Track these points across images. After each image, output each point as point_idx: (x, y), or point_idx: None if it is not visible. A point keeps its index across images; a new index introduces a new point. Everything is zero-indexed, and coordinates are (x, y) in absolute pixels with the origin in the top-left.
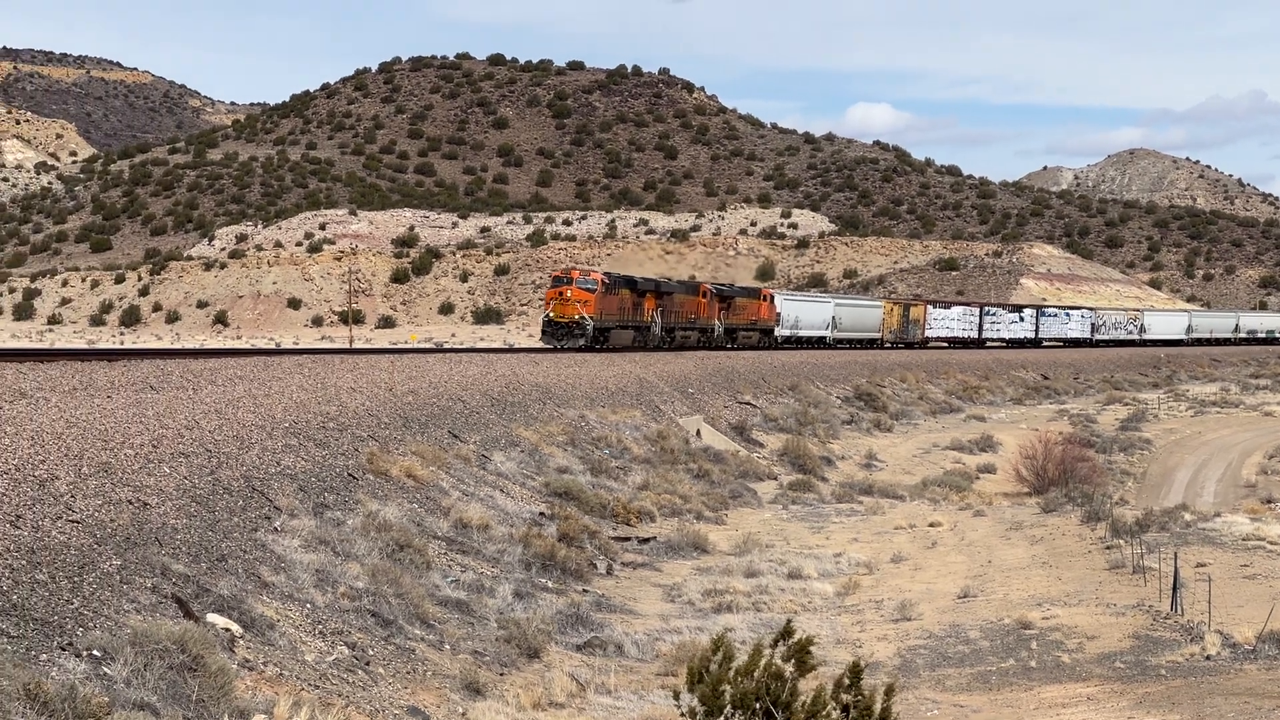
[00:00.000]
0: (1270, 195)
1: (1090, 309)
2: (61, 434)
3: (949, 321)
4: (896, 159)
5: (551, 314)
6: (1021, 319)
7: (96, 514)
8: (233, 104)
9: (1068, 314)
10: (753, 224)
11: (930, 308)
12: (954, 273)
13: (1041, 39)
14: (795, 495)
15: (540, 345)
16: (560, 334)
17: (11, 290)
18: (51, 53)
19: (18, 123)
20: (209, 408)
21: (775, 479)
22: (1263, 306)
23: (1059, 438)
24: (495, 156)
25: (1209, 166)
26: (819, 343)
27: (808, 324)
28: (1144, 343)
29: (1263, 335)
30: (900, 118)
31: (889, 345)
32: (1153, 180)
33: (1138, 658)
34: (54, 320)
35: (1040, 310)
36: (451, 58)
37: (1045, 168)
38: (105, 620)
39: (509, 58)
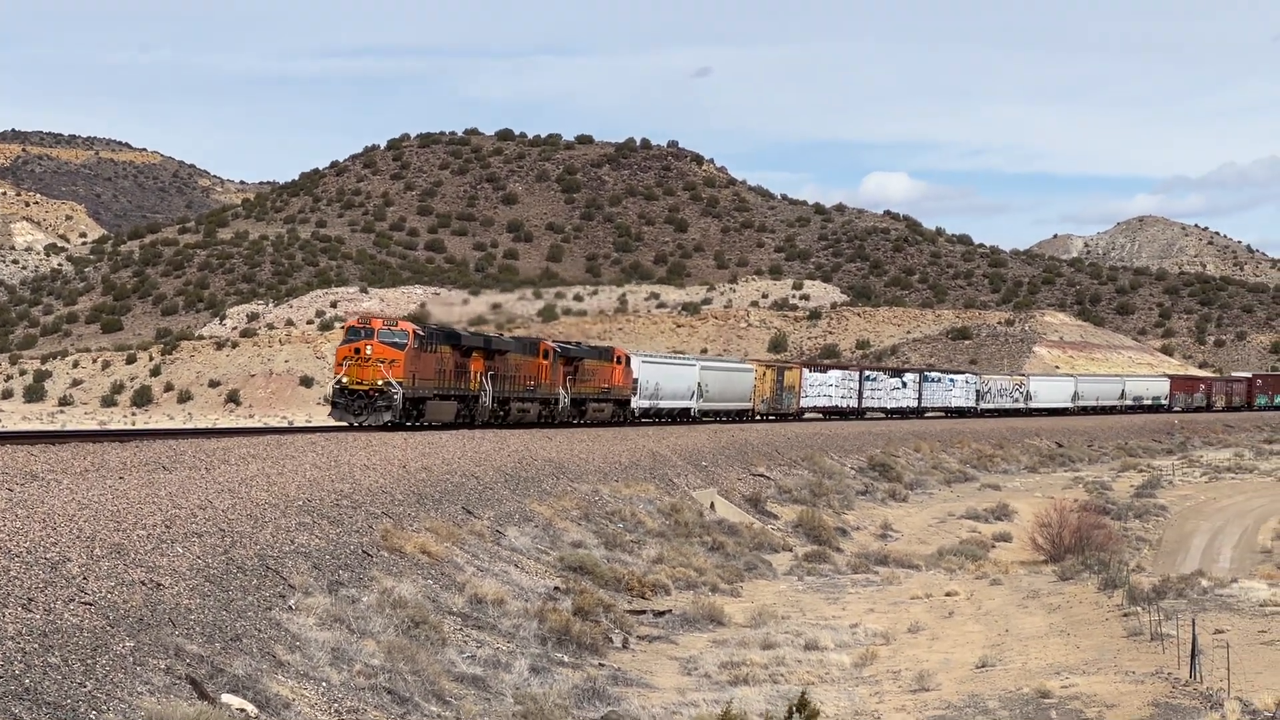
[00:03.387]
0: None
1: (975, 374)
2: (74, 516)
3: (826, 388)
4: (907, 228)
5: (345, 379)
6: (904, 385)
7: (109, 595)
8: (242, 183)
9: (952, 380)
10: (764, 296)
11: (806, 372)
12: (967, 341)
13: (1053, 108)
14: (810, 566)
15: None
16: (356, 406)
17: (23, 372)
18: (60, 134)
19: (27, 205)
20: (222, 487)
21: (790, 550)
22: (1274, 370)
23: (1074, 505)
24: (505, 232)
25: (1218, 233)
26: (682, 416)
27: (670, 392)
28: (1030, 412)
29: (1149, 402)
30: (917, 187)
31: (760, 417)
32: (1162, 247)
33: None
34: (65, 402)
35: (924, 375)
36: (460, 133)
37: (1055, 236)
38: (119, 703)
39: (517, 132)
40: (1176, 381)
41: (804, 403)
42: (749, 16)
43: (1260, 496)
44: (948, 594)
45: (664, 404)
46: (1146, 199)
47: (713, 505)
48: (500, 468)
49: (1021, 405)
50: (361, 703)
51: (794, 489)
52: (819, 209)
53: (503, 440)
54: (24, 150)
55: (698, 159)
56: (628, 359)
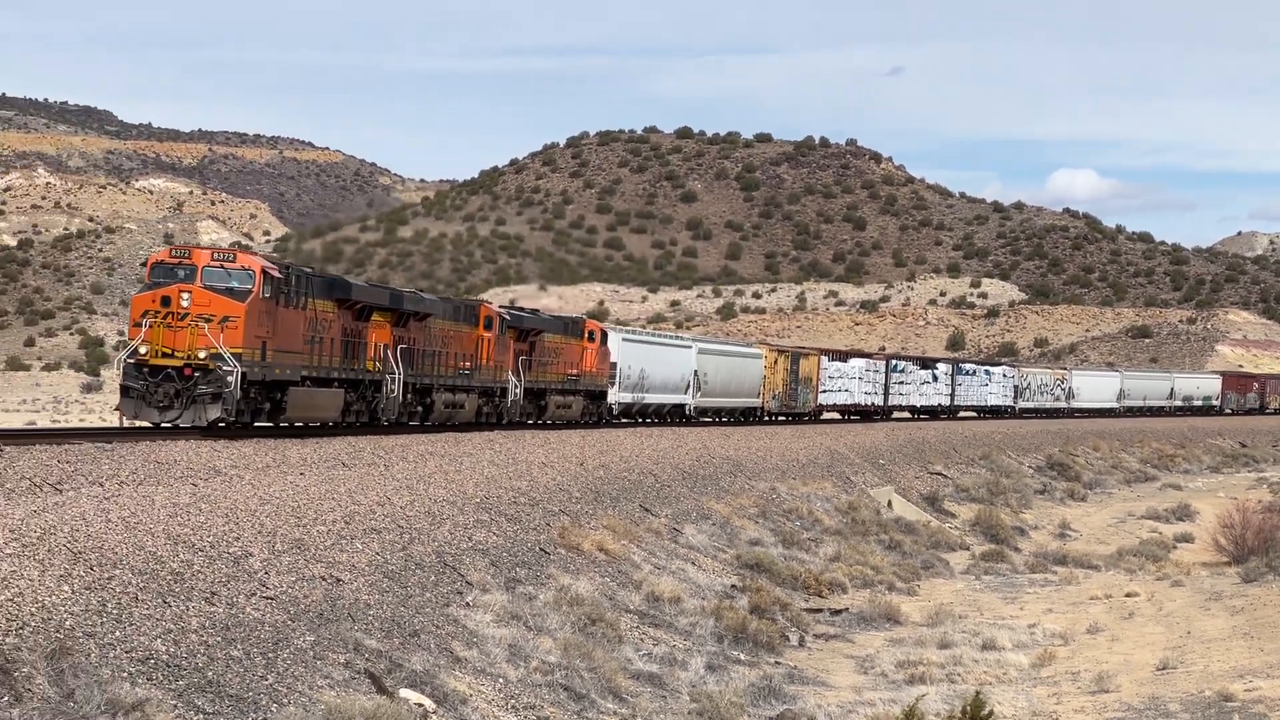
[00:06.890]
0: None
1: (1013, 367)
2: (255, 511)
3: (847, 382)
4: (1087, 226)
5: (144, 349)
6: (935, 379)
7: (290, 590)
8: (422, 181)
9: (988, 372)
10: (942, 294)
11: (824, 360)
12: (1147, 340)
13: (1243, 103)
14: (988, 566)
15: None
16: (161, 396)
17: None
18: (245, 134)
19: (213, 204)
20: (400, 484)
21: (967, 549)
22: None
23: (1259, 506)
24: (684, 229)
25: None
26: (675, 414)
27: (659, 383)
28: (1072, 412)
29: (1199, 402)
30: (1104, 184)
31: (770, 418)
32: None
33: None
34: None
35: (958, 367)
36: (639, 131)
37: (1240, 233)
38: (299, 696)
39: (695, 130)
40: (1229, 380)
41: (822, 399)
42: (939, 15)
43: None
44: (1128, 595)
45: (651, 398)
46: None
47: (890, 503)
48: (678, 465)
49: (1063, 404)
50: (538, 699)
51: (971, 488)
52: (997, 206)
53: (680, 438)
54: (210, 150)
55: (875, 157)
56: (604, 335)
